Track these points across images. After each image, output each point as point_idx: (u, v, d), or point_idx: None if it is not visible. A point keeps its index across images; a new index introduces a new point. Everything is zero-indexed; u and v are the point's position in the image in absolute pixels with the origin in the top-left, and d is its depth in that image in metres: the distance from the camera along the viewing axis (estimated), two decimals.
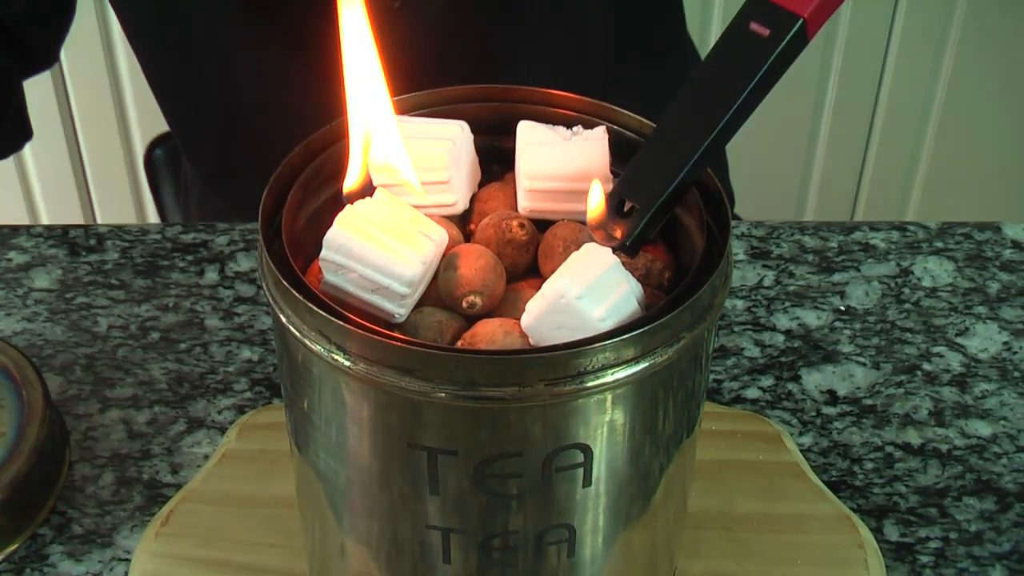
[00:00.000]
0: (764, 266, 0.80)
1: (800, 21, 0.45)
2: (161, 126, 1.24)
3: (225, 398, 0.71)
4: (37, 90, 0.89)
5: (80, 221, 1.88)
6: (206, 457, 0.68)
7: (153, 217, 1.87)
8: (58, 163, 1.84)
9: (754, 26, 0.45)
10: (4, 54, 0.87)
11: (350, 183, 0.48)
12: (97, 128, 1.82)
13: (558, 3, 0.93)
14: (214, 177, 1.07)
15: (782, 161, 1.86)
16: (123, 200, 1.89)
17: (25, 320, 0.76)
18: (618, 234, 0.46)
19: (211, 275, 0.79)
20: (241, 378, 0.72)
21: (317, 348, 0.44)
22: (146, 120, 1.79)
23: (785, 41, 0.45)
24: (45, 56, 0.94)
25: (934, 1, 1.72)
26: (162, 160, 1.29)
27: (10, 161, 1.77)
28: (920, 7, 1.72)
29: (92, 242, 0.82)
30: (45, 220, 1.88)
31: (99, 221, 1.89)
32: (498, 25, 0.92)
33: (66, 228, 0.83)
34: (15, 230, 0.83)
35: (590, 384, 0.43)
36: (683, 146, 0.47)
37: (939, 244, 0.82)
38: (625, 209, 0.47)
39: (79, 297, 0.78)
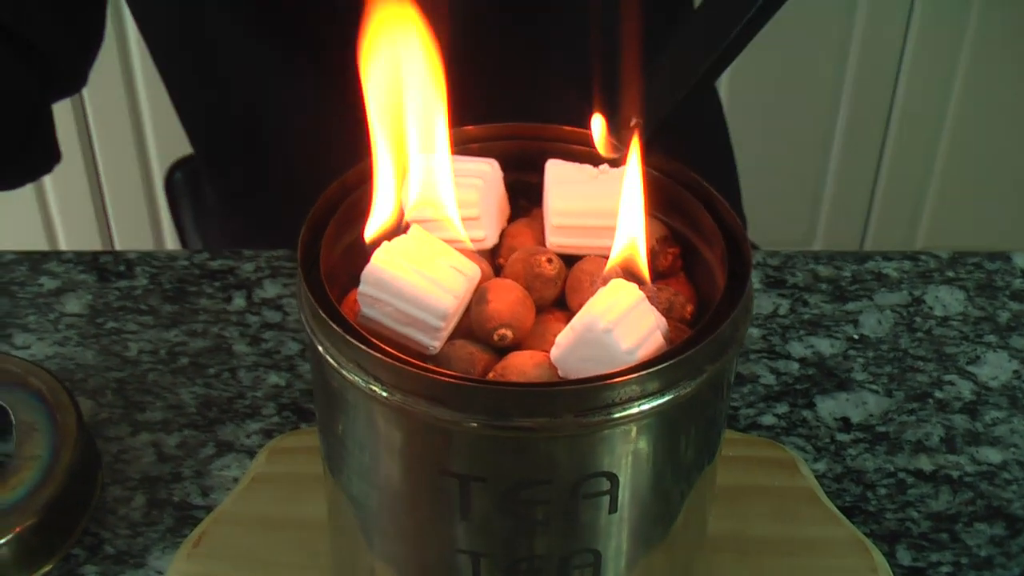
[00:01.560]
0: (779, 295, 0.82)
1: None
2: (180, 150, 1.26)
3: (253, 422, 0.73)
4: (56, 114, 0.91)
5: (98, 245, 1.89)
6: (235, 480, 0.70)
7: (171, 241, 1.89)
8: (77, 187, 1.85)
9: None
10: (33, 76, 0.89)
11: (374, 229, 0.49)
12: (115, 152, 1.84)
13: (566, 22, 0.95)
14: (237, 197, 1.08)
15: (793, 186, 1.87)
16: (141, 224, 1.91)
17: (57, 344, 0.78)
18: (620, 144, 0.51)
19: (238, 301, 0.81)
20: (269, 403, 0.74)
21: (353, 378, 0.45)
22: (164, 144, 1.80)
23: None
24: (74, 79, 0.95)
25: (944, 31, 1.73)
26: (182, 183, 1.31)
27: (29, 185, 1.79)
28: (931, 37, 1.74)
29: (121, 268, 0.84)
30: (63, 244, 1.90)
31: (117, 245, 1.91)
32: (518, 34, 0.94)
33: (96, 254, 0.85)
34: (45, 256, 0.85)
35: (617, 416, 0.44)
36: (683, 69, 0.51)
37: (950, 274, 0.84)
38: (631, 124, 0.50)
39: (109, 322, 0.80)
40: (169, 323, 0.80)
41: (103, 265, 0.84)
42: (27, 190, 1.79)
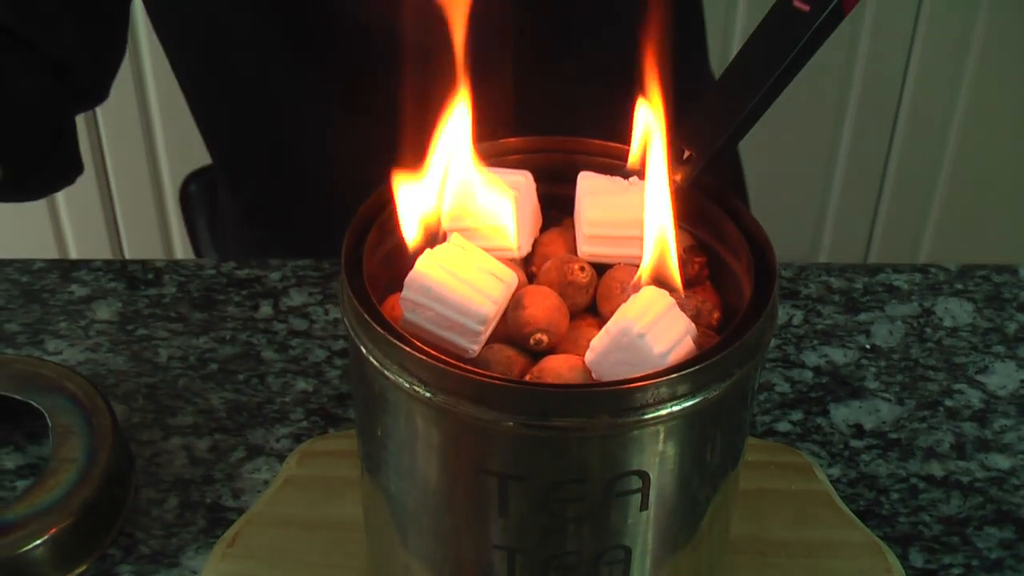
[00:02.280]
0: (793, 306, 0.84)
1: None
2: (192, 162, 1.28)
3: (282, 427, 0.75)
4: None
5: (109, 256, 1.91)
6: (265, 483, 0.72)
7: (180, 252, 1.91)
8: (88, 199, 1.87)
9: (796, 3, 0.52)
10: (60, 89, 0.91)
11: (416, 235, 0.51)
12: (127, 165, 1.85)
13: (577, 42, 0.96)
14: (255, 207, 1.10)
15: (798, 200, 1.89)
16: (151, 235, 1.92)
17: (89, 351, 0.80)
18: (679, 178, 0.53)
19: (265, 309, 0.83)
20: (297, 408, 0.76)
21: (396, 379, 0.47)
22: (176, 157, 1.82)
23: (823, 16, 0.52)
24: (96, 92, 0.97)
25: (948, 45, 1.75)
26: (197, 195, 1.32)
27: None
28: (935, 50, 1.75)
29: (150, 276, 0.86)
30: (74, 255, 1.91)
31: (127, 256, 1.92)
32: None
33: (124, 263, 0.87)
34: (75, 264, 0.87)
35: (649, 416, 0.46)
36: (733, 105, 0.54)
37: (959, 286, 0.86)
38: (684, 157, 0.53)
39: (139, 329, 0.82)
40: (198, 330, 0.82)
41: (132, 273, 0.86)
42: (39, 201, 1.80)
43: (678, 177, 0.53)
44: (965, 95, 1.78)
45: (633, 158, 0.54)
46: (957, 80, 1.77)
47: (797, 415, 0.76)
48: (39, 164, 0.92)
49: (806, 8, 0.52)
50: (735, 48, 1.71)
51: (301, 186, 1.04)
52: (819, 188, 1.89)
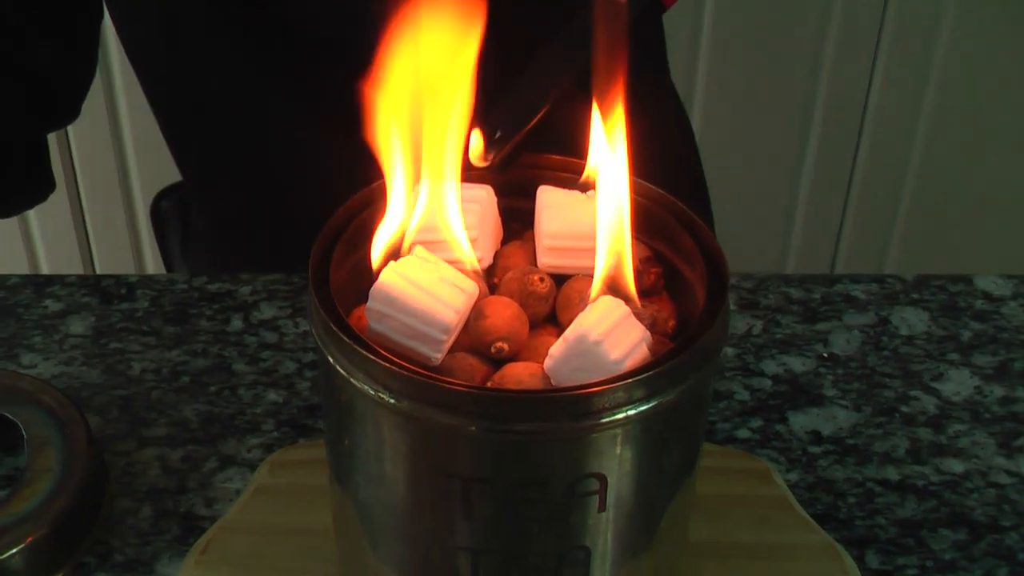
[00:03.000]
0: (753, 316, 0.86)
1: None
2: (164, 180, 1.29)
3: (254, 437, 0.76)
4: None
5: (80, 272, 1.92)
6: (237, 492, 0.73)
7: (152, 269, 1.92)
8: (59, 216, 1.87)
9: None
10: (34, 109, 0.92)
11: (380, 251, 0.53)
12: (98, 182, 1.86)
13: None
14: (226, 222, 1.11)
15: (764, 213, 1.91)
16: (123, 252, 1.93)
17: (63, 364, 0.82)
18: (492, 158, 0.56)
19: (236, 323, 0.85)
20: (268, 419, 0.78)
21: (363, 387, 0.49)
22: (147, 174, 1.83)
23: (639, 9, 0.56)
24: (68, 110, 0.98)
25: (912, 61, 1.77)
26: (169, 212, 1.33)
27: None
28: (898, 69, 1.78)
29: (123, 291, 0.87)
30: (45, 271, 1.92)
31: (99, 272, 1.93)
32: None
33: (98, 278, 0.89)
34: (49, 279, 0.89)
35: (605, 420, 0.48)
36: (543, 86, 0.57)
37: (915, 295, 0.88)
38: (496, 136, 0.56)
39: (113, 343, 0.83)
40: (171, 344, 0.83)
41: (105, 288, 0.88)
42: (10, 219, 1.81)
43: (489, 158, 0.56)
44: (927, 110, 1.81)
45: (587, 171, 0.56)
46: (920, 97, 1.80)
47: (756, 422, 0.78)
48: (11, 182, 0.93)
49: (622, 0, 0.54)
50: (701, 62, 1.74)
51: (271, 202, 1.05)
52: (784, 203, 1.91)
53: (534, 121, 0.56)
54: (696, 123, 1.75)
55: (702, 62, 1.76)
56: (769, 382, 0.81)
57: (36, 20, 0.89)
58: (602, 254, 0.51)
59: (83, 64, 0.98)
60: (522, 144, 0.57)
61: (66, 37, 0.93)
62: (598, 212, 0.53)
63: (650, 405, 0.49)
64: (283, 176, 1.02)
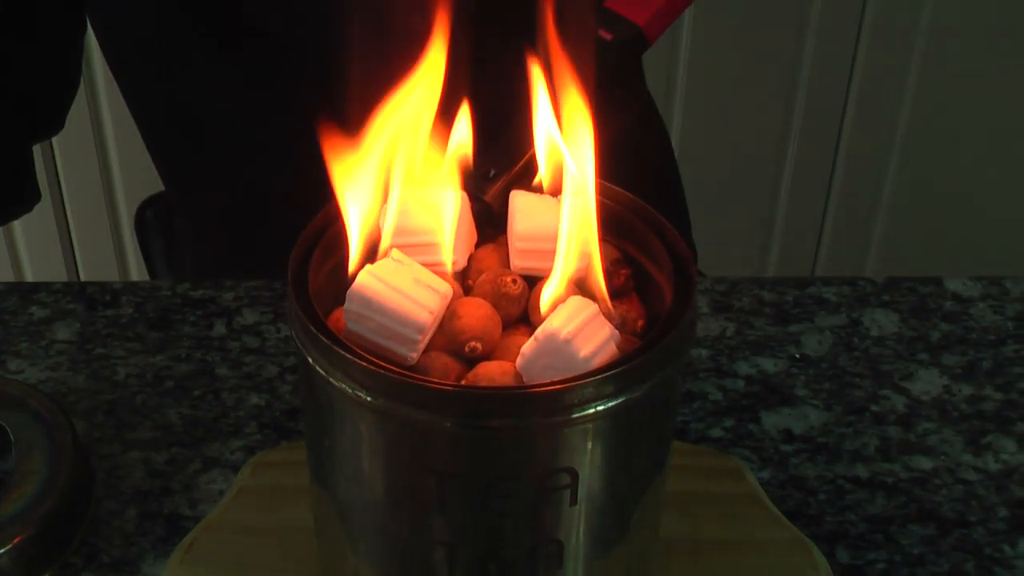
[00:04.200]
0: (726, 318, 0.88)
1: (638, 28, 0.55)
2: (148, 189, 1.30)
3: (237, 440, 0.78)
4: None
5: (64, 279, 1.92)
6: (221, 493, 0.75)
7: (135, 276, 1.93)
8: (44, 225, 1.88)
9: (601, 32, 0.55)
10: (20, 121, 0.94)
11: (357, 255, 0.55)
12: (83, 191, 1.87)
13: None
14: (209, 230, 1.12)
15: (744, 218, 1.93)
16: (107, 260, 1.94)
17: (49, 369, 0.83)
18: (484, 195, 0.59)
19: (219, 328, 0.86)
20: (251, 422, 0.79)
21: (341, 386, 0.51)
22: (131, 183, 1.84)
23: (626, 42, 0.57)
24: (53, 122, 1.00)
25: (888, 70, 1.79)
26: (153, 221, 1.34)
27: None
28: (876, 74, 1.80)
29: (108, 298, 0.89)
30: (30, 278, 1.93)
31: (83, 279, 1.94)
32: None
33: (83, 284, 0.90)
34: (35, 287, 0.90)
35: (575, 416, 0.50)
36: (530, 131, 0.58)
37: (886, 297, 0.90)
38: (491, 175, 0.59)
39: (98, 348, 0.85)
40: (155, 349, 0.84)
41: (90, 295, 0.89)
42: None
43: (483, 194, 0.58)
44: (905, 115, 1.83)
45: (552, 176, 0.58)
46: (898, 102, 1.82)
47: (729, 422, 0.80)
48: (5, 194, 0.95)
49: (608, 37, 0.56)
50: (680, 72, 1.76)
51: (252, 210, 1.07)
52: (765, 208, 1.92)
53: (523, 162, 0.59)
54: (676, 127, 1.77)
55: (681, 66, 1.78)
56: (742, 383, 0.83)
57: (18, 36, 0.91)
58: (563, 254, 0.53)
59: (66, 77, 0.99)
60: (512, 181, 0.59)
61: (49, 52, 0.94)
62: (562, 213, 0.54)
63: (618, 401, 0.50)
64: (264, 185, 1.03)
